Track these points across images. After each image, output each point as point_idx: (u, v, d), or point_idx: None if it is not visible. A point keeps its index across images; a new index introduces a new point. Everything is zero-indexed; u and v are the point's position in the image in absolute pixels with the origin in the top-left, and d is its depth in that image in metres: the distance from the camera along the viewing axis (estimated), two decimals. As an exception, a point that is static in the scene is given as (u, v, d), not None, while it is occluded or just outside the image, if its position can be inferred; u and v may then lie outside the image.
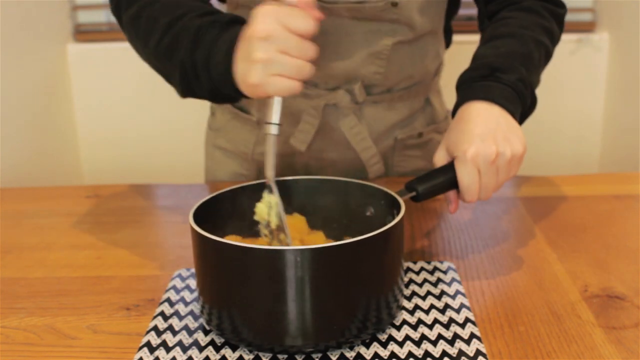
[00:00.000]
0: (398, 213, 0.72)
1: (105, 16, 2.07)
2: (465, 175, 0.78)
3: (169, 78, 0.83)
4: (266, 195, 0.72)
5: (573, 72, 1.99)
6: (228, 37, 0.73)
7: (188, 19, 0.78)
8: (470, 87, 0.86)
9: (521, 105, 0.85)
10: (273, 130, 0.70)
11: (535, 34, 0.92)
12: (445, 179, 0.79)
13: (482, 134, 0.78)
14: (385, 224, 0.74)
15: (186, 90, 0.80)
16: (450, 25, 1.12)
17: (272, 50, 0.66)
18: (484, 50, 0.91)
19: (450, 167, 0.80)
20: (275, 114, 0.70)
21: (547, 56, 0.94)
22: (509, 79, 0.84)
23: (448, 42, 1.14)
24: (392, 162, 1.12)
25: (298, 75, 0.67)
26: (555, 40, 0.97)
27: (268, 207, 0.72)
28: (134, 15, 0.85)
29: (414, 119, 1.10)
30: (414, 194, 0.78)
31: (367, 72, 1.00)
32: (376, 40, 0.98)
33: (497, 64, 0.86)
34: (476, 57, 0.91)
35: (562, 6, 0.99)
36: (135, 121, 2.06)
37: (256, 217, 0.73)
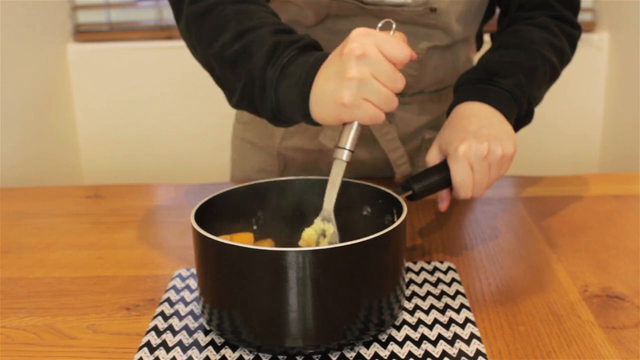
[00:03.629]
0: (397, 212, 0.72)
1: (105, 16, 2.07)
2: (458, 171, 0.78)
3: (223, 83, 0.80)
4: (319, 222, 0.70)
5: (573, 72, 1.98)
6: (307, 60, 0.70)
7: (264, 32, 0.74)
8: (467, 89, 0.87)
9: (516, 110, 0.86)
10: (344, 156, 0.67)
11: (544, 50, 0.92)
12: (440, 177, 0.80)
13: (474, 132, 0.79)
14: (383, 223, 0.74)
15: (244, 102, 0.76)
16: (481, 29, 1.12)
17: (367, 72, 0.64)
18: (488, 57, 0.93)
19: (444, 166, 0.80)
20: (350, 139, 0.67)
21: (553, 74, 0.95)
22: (506, 84, 0.85)
23: (479, 46, 1.15)
24: (417, 162, 1.13)
25: (385, 105, 0.65)
26: (565, 60, 0.97)
27: (318, 235, 0.71)
28: (201, 12, 0.80)
29: (442, 120, 1.10)
30: (410, 193, 0.78)
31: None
32: (412, 44, 0.97)
33: (497, 69, 0.88)
34: (479, 63, 0.93)
35: (577, 27, 0.99)
36: (135, 121, 2.06)
37: (301, 242, 0.71)
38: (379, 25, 0.68)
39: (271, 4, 1.03)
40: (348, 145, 0.67)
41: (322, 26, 0.97)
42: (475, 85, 0.87)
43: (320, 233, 0.71)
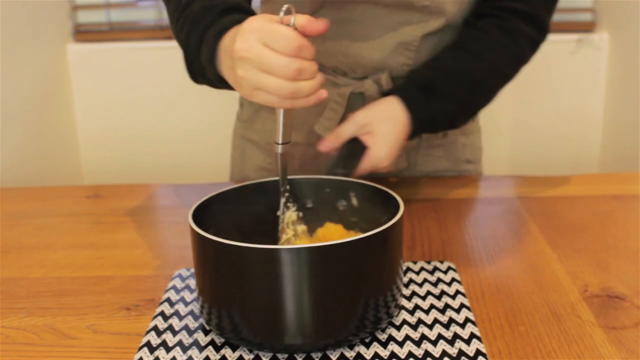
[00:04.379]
0: (355, 195, 0.76)
1: (105, 16, 2.07)
2: (375, 155, 0.89)
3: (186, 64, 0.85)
4: (291, 223, 0.77)
5: (573, 72, 1.99)
6: (219, 26, 0.74)
7: (196, 3, 0.79)
8: (412, 88, 0.94)
9: (429, 132, 0.99)
10: (279, 149, 0.71)
11: (501, 62, 0.98)
12: (358, 158, 0.89)
13: (395, 146, 0.90)
14: (337, 209, 0.79)
15: (190, 74, 0.82)
16: None
17: (252, 69, 0.65)
18: (445, 58, 0.98)
19: (358, 148, 0.89)
20: (279, 132, 0.70)
21: (504, 83, 1.00)
22: (440, 108, 0.94)
23: None
24: (415, 161, 1.13)
25: (278, 94, 0.65)
26: (521, 65, 1.01)
27: (293, 229, 0.77)
28: None
29: None
30: (344, 174, 0.84)
31: (396, 63, 1.01)
32: (406, 31, 0.99)
33: (444, 85, 0.94)
34: (436, 58, 0.98)
35: (544, 32, 1.01)
36: (135, 121, 2.07)
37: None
38: (282, 9, 0.64)
39: None
40: (277, 139, 0.71)
41: (318, 16, 0.97)
42: (420, 91, 0.93)
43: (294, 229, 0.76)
